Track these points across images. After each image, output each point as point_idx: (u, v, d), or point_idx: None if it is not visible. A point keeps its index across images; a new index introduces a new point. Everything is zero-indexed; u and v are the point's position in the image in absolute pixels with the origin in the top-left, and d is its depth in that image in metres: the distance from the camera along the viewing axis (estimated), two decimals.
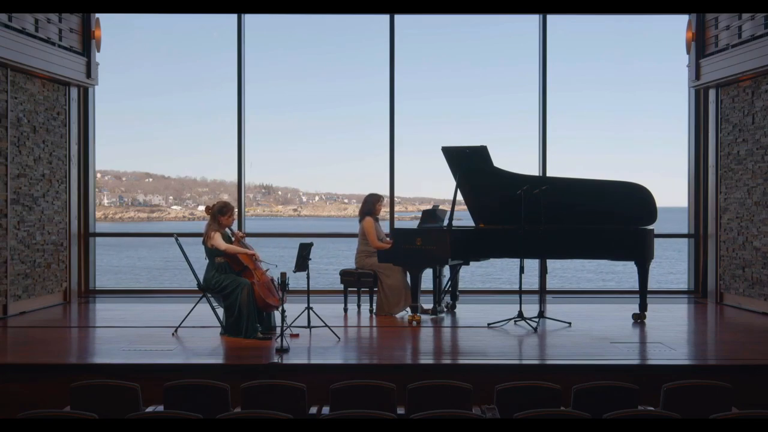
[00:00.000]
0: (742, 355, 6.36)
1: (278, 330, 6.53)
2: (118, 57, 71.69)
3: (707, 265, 9.74)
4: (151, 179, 69.56)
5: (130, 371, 5.72)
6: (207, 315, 7.40)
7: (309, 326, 7.04)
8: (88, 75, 9.45)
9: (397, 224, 9.48)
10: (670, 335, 7.13)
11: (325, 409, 4.46)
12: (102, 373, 5.45)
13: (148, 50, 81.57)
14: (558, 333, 7.25)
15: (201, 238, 7.14)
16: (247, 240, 7.51)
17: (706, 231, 9.83)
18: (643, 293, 7.86)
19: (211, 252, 7.01)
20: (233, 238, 7.16)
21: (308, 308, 7.09)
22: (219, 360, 6.21)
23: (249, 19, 10.21)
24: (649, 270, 7.91)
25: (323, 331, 6.99)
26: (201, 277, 7.17)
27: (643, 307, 7.87)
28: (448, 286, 8.57)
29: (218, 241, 6.94)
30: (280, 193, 71.85)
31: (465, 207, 8.42)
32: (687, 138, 10.24)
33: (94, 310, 8.92)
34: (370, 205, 8.35)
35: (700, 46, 9.55)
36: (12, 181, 8.30)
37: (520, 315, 7.53)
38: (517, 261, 7.57)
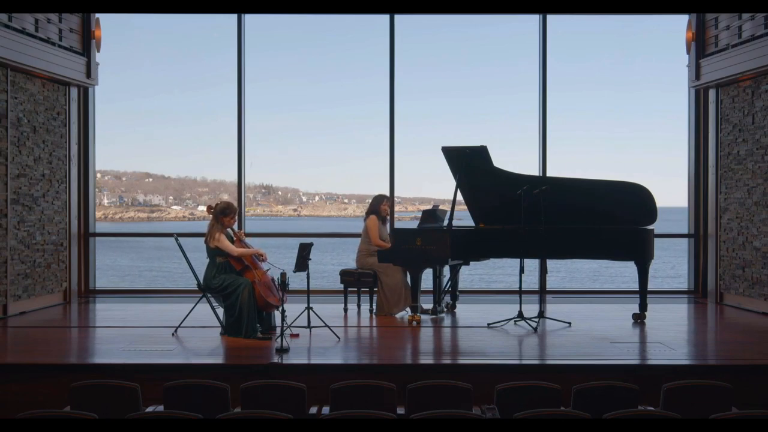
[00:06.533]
0: (742, 355, 6.36)
1: (278, 330, 6.53)
2: (118, 57, 71.74)
3: (707, 265, 9.74)
4: (151, 179, 69.55)
5: (130, 371, 5.72)
6: (207, 315, 7.40)
7: (309, 326, 7.05)
8: (88, 75, 9.45)
9: (397, 224, 9.49)
10: (670, 335, 7.13)
11: (325, 409, 4.46)
12: (102, 373, 5.45)
13: (148, 50, 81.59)
14: (558, 333, 7.25)
15: (200, 239, 7.14)
16: (248, 240, 7.51)
17: (706, 231, 9.83)
18: (643, 293, 7.86)
19: (213, 252, 7.00)
20: (234, 238, 7.16)
21: (308, 308, 7.09)
22: (219, 360, 6.21)
23: (249, 19, 10.21)
24: (649, 270, 7.91)
25: (323, 331, 6.99)
26: (201, 277, 7.17)
27: (643, 307, 7.87)
28: (448, 286, 8.58)
29: (226, 244, 6.92)
30: (280, 193, 71.84)
31: (465, 207, 8.43)
32: (687, 138, 10.24)
33: (94, 310, 8.92)
34: (376, 204, 8.43)
35: (700, 46, 9.56)
36: (12, 181, 8.30)
37: (520, 315, 7.53)
38: (517, 261, 7.58)
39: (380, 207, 8.40)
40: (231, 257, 6.98)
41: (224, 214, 7.03)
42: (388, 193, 10.11)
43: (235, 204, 7.40)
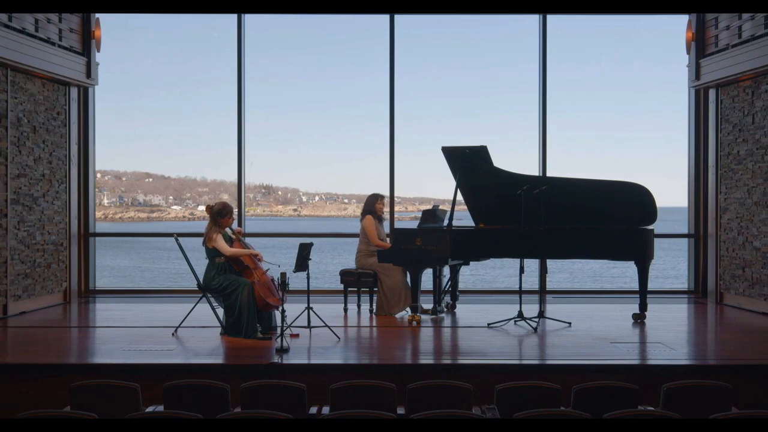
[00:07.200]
0: (742, 355, 6.35)
1: (278, 330, 6.53)
2: (118, 57, 71.68)
3: (707, 265, 9.74)
4: (151, 179, 69.55)
5: (130, 371, 5.72)
6: (207, 315, 7.41)
7: (309, 326, 7.05)
8: (88, 75, 9.45)
9: (397, 224, 9.49)
10: (670, 335, 7.13)
11: (325, 409, 4.46)
12: (102, 373, 5.45)
13: (148, 50, 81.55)
14: (558, 333, 7.25)
15: (200, 239, 7.14)
16: (247, 240, 7.51)
17: (706, 231, 9.83)
18: (643, 293, 7.86)
19: (212, 252, 7.01)
20: (233, 237, 7.16)
21: (308, 308, 7.09)
22: (219, 360, 6.20)
23: (249, 19, 10.21)
24: (649, 270, 7.92)
25: (323, 331, 6.99)
26: (201, 277, 7.17)
27: (643, 307, 7.87)
28: (448, 286, 8.58)
29: (221, 244, 6.93)
30: (280, 193, 71.85)
31: (465, 207, 8.43)
32: (687, 138, 10.24)
33: (94, 310, 8.92)
34: (371, 204, 8.39)
35: (700, 46, 9.56)
36: (12, 181, 8.30)
37: (520, 315, 7.53)
38: (517, 261, 7.58)
39: (375, 206, 8.38)
40: (229, 257, 6.99)
41: (221, 216, 7.03)
42: (388, 193, 10.10)
43: (234, 204, 7.41)
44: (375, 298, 8.26)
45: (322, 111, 79.02)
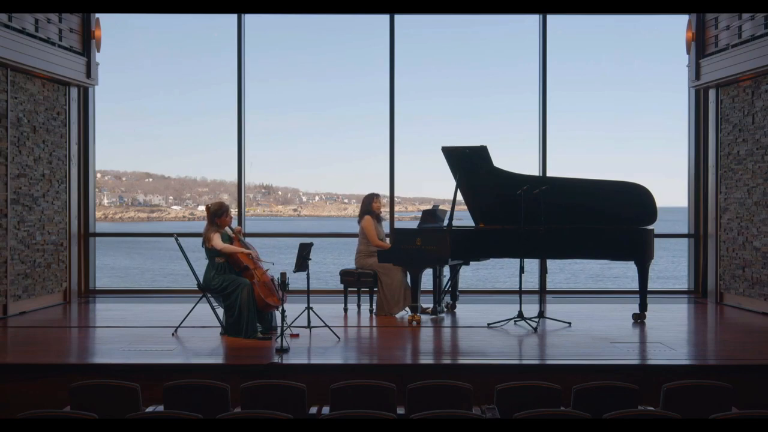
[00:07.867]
0: (742, 355, 6.35)
1: (278, 330, 6.53)
2: (118, 57, 71.64)
3: (707, 265, 9.74)
4: (151, 179, 69.53)
5: (130, 371, 5.72)
6: (207, 315, 7.41)
7: (309, 326, 7.05)
8: (88, 75, 9.45)
9: (397, 224, 9.49)
10: (670, 335, 7.13)
11: (325, 409, 4.46)
12: (102, 373, 5.45)
13: (148, 50, 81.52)
14: (558, 333, 7.25)
15: (200, 239, 7.14)
16: (248, 240, 7.51)
17: (706, 231, 9.83)
18: (643, 293, 7.86)
19: (211, 253, 7.01)
20: (233, 236, 7.16)
21: (308, 308, 7.09)
22: (219, 360, 6.21)
23: (249, 19, 10.21)
24: (649, 270, 7.92)
25: (323, 331, 6.99)
26: (201, 277, 7.18)
27: (643, 307, 7.87)
28: (448, 286, 8.58)
29: (216, 241, 6.95)
30: (280, 193, 71.83)
31: (465, 207, 8.43)
32: (687, 138, 10.24)
33: (94, 310, 8.92)
34: (368, 203, 8.38)
35: (700, 46, 9.55)
36: (12, 181, 8.30)
37: (520, 315, 7.53)
38: (517, 261, 7.57)
39: (372, 206, 8.37)
40: (229, 258, 6.99)
41: (218, 216, 7.05)
42: (388, 193, 10.11)
43: (234, 203, 7.41)
44: (375, 298, 8.26)
45: (322, 111, 79.06)
